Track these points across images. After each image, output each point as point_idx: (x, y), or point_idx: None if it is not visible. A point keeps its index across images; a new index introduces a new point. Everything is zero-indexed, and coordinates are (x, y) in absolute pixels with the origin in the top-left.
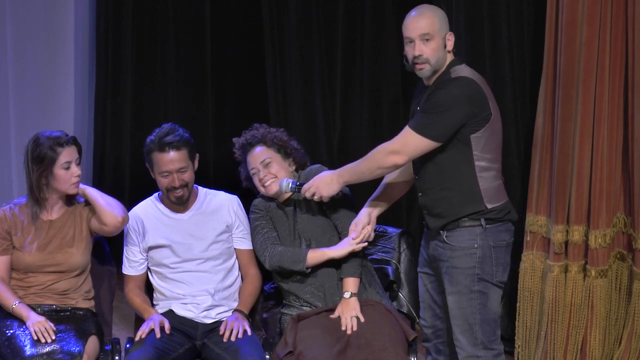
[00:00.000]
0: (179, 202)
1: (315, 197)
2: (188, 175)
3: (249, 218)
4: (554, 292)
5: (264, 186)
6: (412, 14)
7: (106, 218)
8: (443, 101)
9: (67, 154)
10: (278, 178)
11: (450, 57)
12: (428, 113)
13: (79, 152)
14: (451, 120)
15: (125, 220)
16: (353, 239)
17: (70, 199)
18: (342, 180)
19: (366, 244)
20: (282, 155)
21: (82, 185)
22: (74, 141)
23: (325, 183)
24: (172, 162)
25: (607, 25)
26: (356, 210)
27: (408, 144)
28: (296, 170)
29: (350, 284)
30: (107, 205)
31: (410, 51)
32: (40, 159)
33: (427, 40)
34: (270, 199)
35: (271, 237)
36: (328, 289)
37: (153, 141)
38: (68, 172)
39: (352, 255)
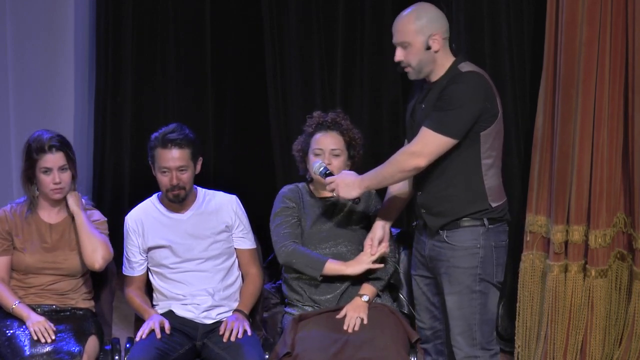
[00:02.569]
0: (176, 201)
1: (334, 194)
2: (187, 176)
3: (249, 215)
4: (554, 292)
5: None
6: (397, 17)
7: (85, 257)
8: (458, 96)
9: (48, 160)
10: (336, 171)
11: (450, 57)
12: (444, 110)
13: (68, 159)
14: (467, 114)
15: (102, 267)
16: (372, 254)
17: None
18: (364, 185)
19: (382, 265)
20: (348, 154)
21: (75, 209)
22: (60, 148)
23: (345, 184)
24: (172, 159)
25: (607, 25)
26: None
27: (427, 144)
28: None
29: (369, 290)
30: (89, 247)
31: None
32: (26, 157)
33: (405, 46)
34: (307, 190)
35: (293, 232)
36: (339, 291)
37: (157, 137)
38: (47, 177)
39: (385, 270)
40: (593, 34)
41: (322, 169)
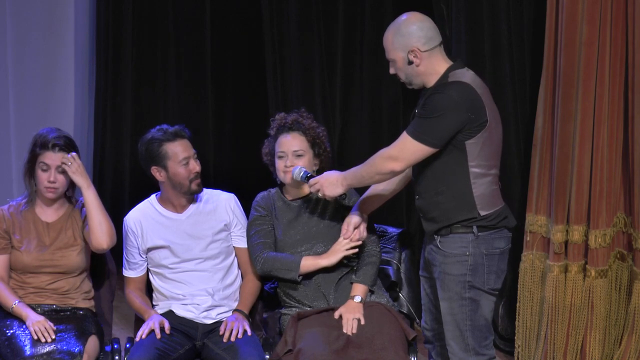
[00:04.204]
0: (199, 191)
1: (320, 194)
2: (199, 164)
3: (248, 214)
4: (553, 292)
5: (284, 172)
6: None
7: (91, 237)
8: (438, 106)
9: (48, 157)
10: None
11: (444, 63)
12: (424, 118)
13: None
14: (447, 124)
15: (109, 247)
16: (344, 238)
17: (69, 201)
18: (346, 183)
19: (357, 250)
20: (314, 153)
21: (83, 183)
22: (63, 149)
23: (330, 182)
24: (187, 148)
25: (607, 25)
26: (372, 222)
27: (405, 149)
28: (317, 171)
29: (361, 290)
30: (98, 226)
31: None
32: (30, 149)
33: (391, 62)
34: (279, 195)
35: (266, 242)
36: (327, 292)
37: (161, 135)
38: (44, 174)
39: (370, 262)
40: (593, 34)
41: (302, 173)
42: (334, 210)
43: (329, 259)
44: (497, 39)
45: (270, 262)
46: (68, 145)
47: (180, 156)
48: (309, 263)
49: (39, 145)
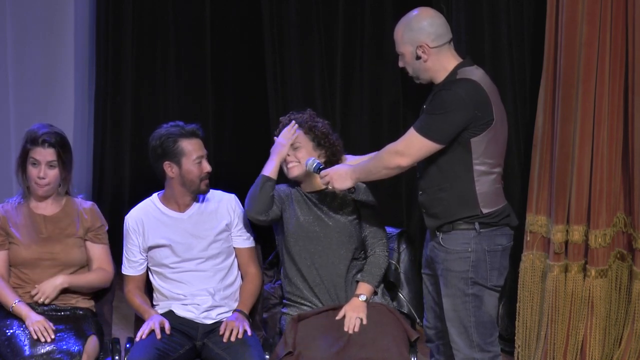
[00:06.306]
0: (206, 191)
1: (329, 186)
2: (208, 165)
3: None
4: (554, 292)
5: (287, 167)
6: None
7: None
8: (446, 102)
9: (37, 153)
10: (301, 164)
11: (453, 60)
12: (431, 114)
13: (59, 157)
14: (452, 121)
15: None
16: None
17: (66, 194)
18: (354, 177)
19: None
20: (314, 145)
21: (63, 279)
22: (52, 145)
23: (339, 176)
24: (201, 147)
25: (607, 25)
26: (384, 225)
27: (411, 145)
28: (326, 162)
29: (366, 289)
30: (90, 289)
31: None
32: (21, 145)
33: (400, 56)
34: (295, 186)
35: None
36: (334, 287)
37: (177, 131)
38: (34, 169)
39: (377, 264)
40: (593, 34)
41: (315, 164)
42: (352, 206)
43: (279, 151)
44: (497, 39)
45: (248, 200)
46: (58, 142)
47: (194, 154)
48: (268, 163)
49: (30, 141)
